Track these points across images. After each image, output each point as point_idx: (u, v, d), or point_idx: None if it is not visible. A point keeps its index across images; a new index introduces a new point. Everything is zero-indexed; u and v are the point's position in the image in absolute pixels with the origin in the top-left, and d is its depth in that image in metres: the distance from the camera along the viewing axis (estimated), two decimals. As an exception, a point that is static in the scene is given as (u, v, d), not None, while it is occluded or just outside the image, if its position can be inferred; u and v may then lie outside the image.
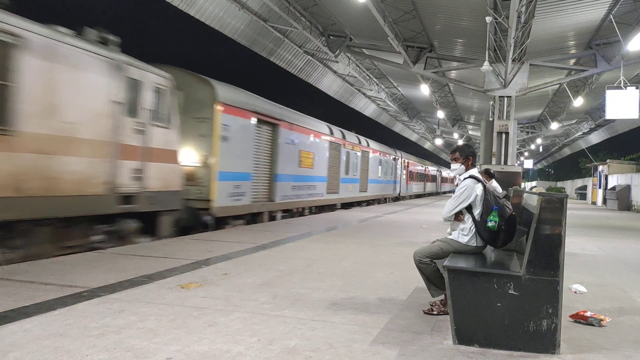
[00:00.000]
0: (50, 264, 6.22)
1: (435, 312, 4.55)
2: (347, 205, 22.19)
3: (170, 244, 8.47)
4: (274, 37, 18.84)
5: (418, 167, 41.12)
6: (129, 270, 6.02)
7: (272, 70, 29.71)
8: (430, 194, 47.61)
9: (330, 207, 19.57)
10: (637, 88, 16.22)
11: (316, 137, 17.57)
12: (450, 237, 4.60)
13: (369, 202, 26.08)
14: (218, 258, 7.13)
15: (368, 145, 25.18)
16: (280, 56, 21.01)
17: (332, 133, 19.37)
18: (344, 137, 20.94)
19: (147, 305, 4.51)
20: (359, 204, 24.32)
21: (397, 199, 32.60)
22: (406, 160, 35.03)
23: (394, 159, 31.02)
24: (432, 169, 50.53)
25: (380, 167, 27.46)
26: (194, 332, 3.83)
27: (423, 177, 44.03)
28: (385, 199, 29.51)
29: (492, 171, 10.68)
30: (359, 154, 23.34)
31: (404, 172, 34.20)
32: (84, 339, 3.57)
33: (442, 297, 4.58)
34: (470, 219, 4.47)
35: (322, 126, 18.68)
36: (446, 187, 65.04)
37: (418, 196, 40.22)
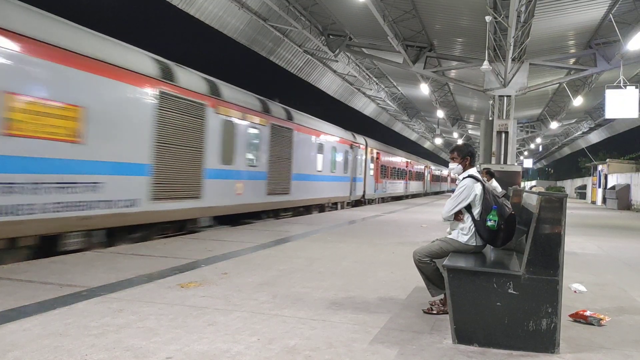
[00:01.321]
0: (50, 264, 6.22)
1: (435, 312, 4.55)
2: (232, 220, 12.47)
3: (170, 243, 8.47)
4: (274, 36, 18.84)
5: (395, 160, 31.92)
6: (128, 269, 6.02)
7: (272, 69, 28.91)
8: (415, 195, 39.25)
9: (176, 226, 10.23)
10: (636, 87, 16.24)
11: (93, 71, 7.75)
12: (450, 236, 4.60)
13: (297, 211, 16.66)
14: (218, 257, 7.13)
15: (290, 119, 15.37)
16: (280, 55, 21.01)
17: (167, 77, 9.54)
18: (213, 92, 11.00)
19: (147, 304, 4.51)
20: (275, 213, 14.93)
21: (359, 202, 23.94)
22: (375, 151, 26.22)
23: (352, 147, 21.82)
24: (417, 165, 41.02)
25: (321, 156, 18.00)
26: (193, 331, 3.83)
27: (404, 174, 34.63)
28: (336, 203, 20.58)
29: (492, 170, 10.71)
30: (266, 129, 13.49)
31: (372, 166, 25.47)
32: (84, 338, 3.57)
33: (441, 296, 4.58)
34: (470, 219, 4.47)
35: (127, 55, 8.74)
36: (438, 187, 54.29)
37: (396, 199, 32.34)
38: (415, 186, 39.46)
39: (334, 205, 20.40)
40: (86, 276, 5.56)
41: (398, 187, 32.81)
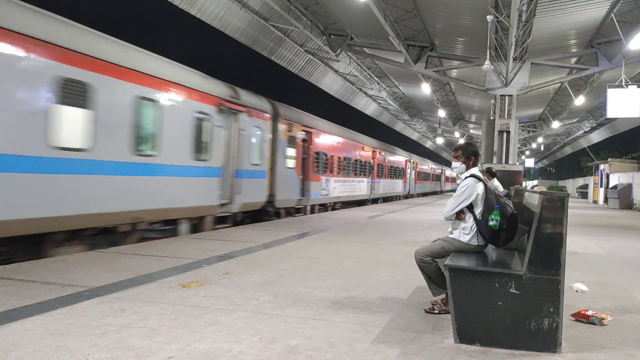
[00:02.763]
0: (52, 263, 6.23)
1: (436, 311, 4.55)
2: None
3: (172, 243, 8.48)
4: (275, 36, 18.86)
5: (349, 148, 21.91)
6: (130, 269, 6.03)
7: (273, 69, 28.27)
8: (388, 199, 29.64)
9: None
10: (638, 87, 16.21)
11: None
12: (451, 236, 4.60)
13: None
14: (219, 257, 7.13)
15: None
16: (281, 55, 21.03)
17: None
18: None
19: (149, 304, 4.51)
20: None
21: (261, 214, 13.74)
22: (300, 128, 16.09)
23: (224, 111, 11.58)
24: (393, 157, 30.67)
25: (93, 113, 7.89)
26: (195, 331, 3.83)
27: (366, 169, 24.66)
28: (175, 221, 10.07)
29: (493, 170, 10.70)
30: None
31: (293, 152, 15.60)
32: (86, 338, 3.58)
33: (443, 296, 4.58)
34: (472, 218, 4.47)
35: None
36: (428, 187, 44.17)
37: (358, 204, 23.45)
38: (389, 186, 29.48)
39: (169, 225, 9.93)
40: (88, 276, 5.56)
41: (355, 187, 22.85)
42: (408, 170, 35.22)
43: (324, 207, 19.09)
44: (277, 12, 16.27)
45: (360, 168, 23.80)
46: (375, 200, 26.65)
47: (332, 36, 18.32)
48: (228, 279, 5.72)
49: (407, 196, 34.74)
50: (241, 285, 5.42)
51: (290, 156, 15.47)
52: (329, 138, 19.38)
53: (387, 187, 29.07)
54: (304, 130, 16.43)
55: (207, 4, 16.08)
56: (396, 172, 31.66)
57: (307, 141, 16.88)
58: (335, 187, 20.01)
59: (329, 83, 26.43)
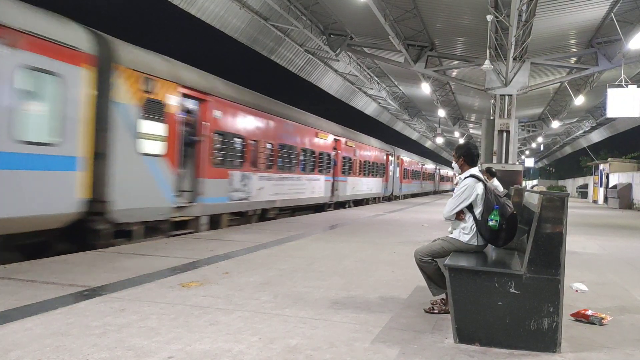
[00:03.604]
0: (52, 263, 6.23)
1: (436, 311, 4.55)
2: None
3: (171, 243, 8.48)
4: (275, 35, 18.87)
5: (279, 129, 14.75)
6: (130, 269, 6.03)
7: (273, 69, 27.90)
8: (360, 202, 23.77)
9: None
10: (638, 86, 16.21)
11: None
12: (451, 235, 4.60)
13: None
14: (219, 257, 7.13)
15: None
16: (281, 55, 21.04)
17: None
18: None
19: (148, 304, 4.51)
20: None
21: (94, 231, 7.91)
22: (180, 90, 9.78)
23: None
24: (365, 151, 24.25)
25: None
26: (195, 331, 3.83)
27: (318, 161, 18.04)
28: None
29: (493, 170, 10.70)
30: None
31: (154, 128, 9.17)
32: (85, 337, 3.58)
33: (443, 295, 4.58)
34: (472, 218, 4.47)
35: None
36: (418, 186, 38.58)
37: (317, 209, 18.47)
38: (362, 186, 23.62)
39: None
40: (88, 276, 5.56)
41: (304, 187, 16.91)
42: (390, 167, 29.03)
43: (242, 216, 12.82)
44: (276, 12, 16.28)
45: (313, 161, 17.65)
46: (341, 204, 20.90)
47: (332, 36, 18.32)
48: (228, 278, 5.72)
49: (390, 198, 29.45)
50: (241, 285, 5.42)
51: (150, 135, 9.16)
52: (247, 113, 12.81)
53: (358, 187, 23.13)
54: (189, 96, 10.34)
55: (206, 3, 16.08)
56: (373, 169, 25.63)
57: (198, 114, 10.79)
58: (263, 186, 13.73)
59: (329, 83, 26.44)
